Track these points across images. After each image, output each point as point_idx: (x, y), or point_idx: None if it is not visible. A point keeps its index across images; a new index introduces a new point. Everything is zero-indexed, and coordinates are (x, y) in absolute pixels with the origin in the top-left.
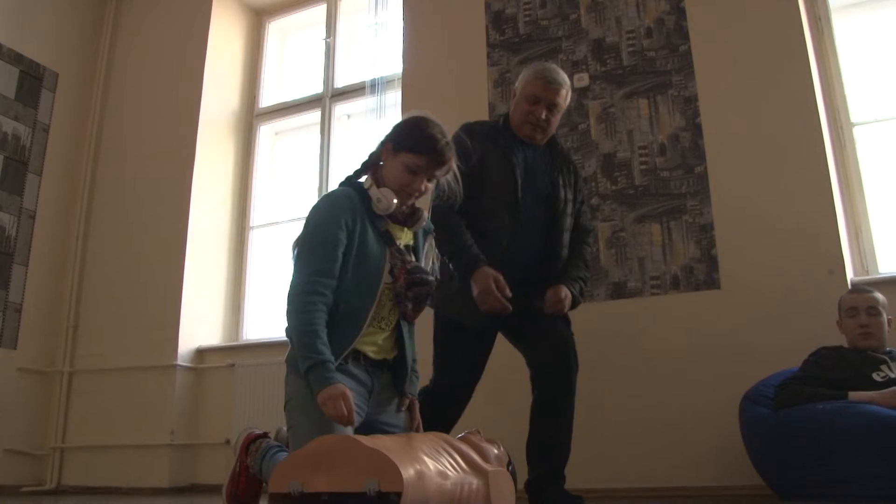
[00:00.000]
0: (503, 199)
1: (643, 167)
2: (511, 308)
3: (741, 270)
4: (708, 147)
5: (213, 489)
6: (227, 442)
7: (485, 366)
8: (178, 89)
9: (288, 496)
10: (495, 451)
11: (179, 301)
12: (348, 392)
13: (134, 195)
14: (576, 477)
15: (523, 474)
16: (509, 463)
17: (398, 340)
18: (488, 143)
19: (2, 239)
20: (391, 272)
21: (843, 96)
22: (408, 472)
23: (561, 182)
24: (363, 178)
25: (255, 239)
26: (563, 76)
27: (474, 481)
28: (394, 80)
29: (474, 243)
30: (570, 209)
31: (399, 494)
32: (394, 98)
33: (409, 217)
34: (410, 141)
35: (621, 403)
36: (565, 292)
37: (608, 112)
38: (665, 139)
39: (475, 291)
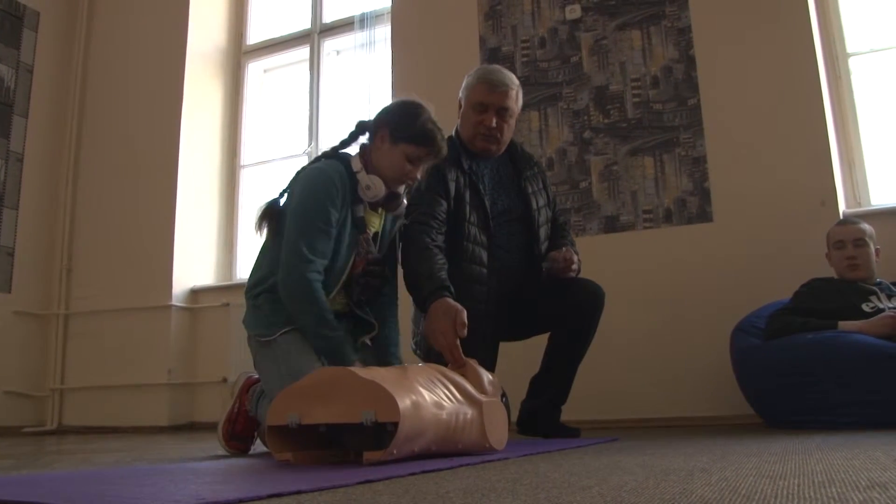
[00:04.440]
0: (479, 223)
1: (636, 100)
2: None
3: (734, 203)
4: (701, 79)
5: (211, 427)
6: (224, 380)
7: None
8: (163, 27)
9: (285, 428)
10: (489, 378)
11: (172, 242)
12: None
13: (123, 136)
14: (570, 409)
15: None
16: (503, 395)
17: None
18: (455, 166)
19: None
20: (354, 259)
21: (840, 26)
22: (404, 403)
23: (530, 190)
24: (352, 154)
25: (246, 178)
26: (510, 76)
27: (469, 411)
28: (383, 14)
29: (445, 269)
30: (544, 217)
31: (395, 424)
32: (383, 33)
33: (388, 201)
34: (411, 132)
35: (614, 336)
36: (573, 254)
37: (600, 44)
38: (658, 71)
39: (427, 325)
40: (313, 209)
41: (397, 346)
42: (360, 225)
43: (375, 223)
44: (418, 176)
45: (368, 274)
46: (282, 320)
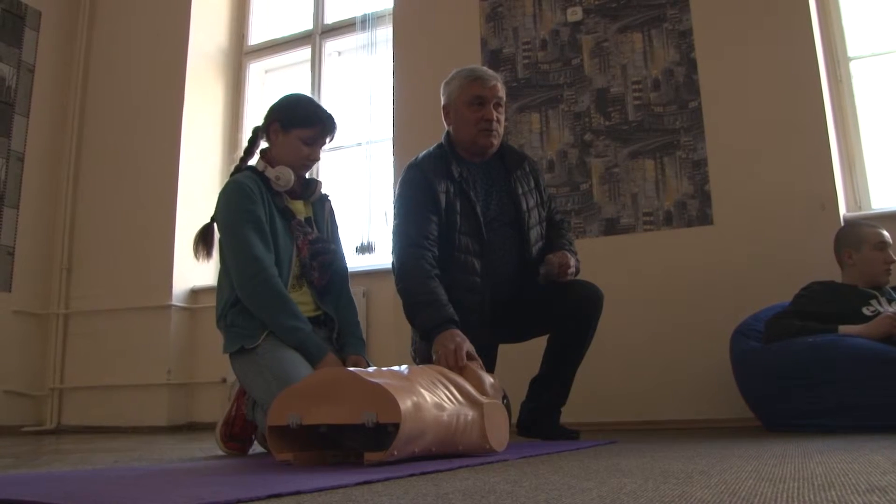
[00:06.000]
0: (471, 231)
1: (637, 102)
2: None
3: (734, 206)
4: (702, 82)
5: (210, 427)
6: (224, 380)
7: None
8: (165, 27)
9: (286, 429)
10: (490, 381)
11: (172, 241)
12: (334, 356)
13: (123, 136)
14: (569, 411)
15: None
16: (504, 396)
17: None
18: (444, 177)
19: None
20: (295, 245)
21: (841, 29)
22: (405, 404)
23: (520, 191)
24: (254, 162)
25: None
26: (491, 70)
27: (470, 413)
28: (385, 15)
29: (445, 297)
30: (535, 217)
31: (396, 426)
32: (385, 34)
33: (304, 190)
34: (299, 117)
35: (613, 338)
36: (570, 258)
37: (602, 46)
38: (659, 74)
39: (435, 352)
40: (239, 214)
41: (357, 325)
42: (287, 214)
43: (302, 210)
44: (319, 156)
45: (317, 253)
46: (259, 325)
